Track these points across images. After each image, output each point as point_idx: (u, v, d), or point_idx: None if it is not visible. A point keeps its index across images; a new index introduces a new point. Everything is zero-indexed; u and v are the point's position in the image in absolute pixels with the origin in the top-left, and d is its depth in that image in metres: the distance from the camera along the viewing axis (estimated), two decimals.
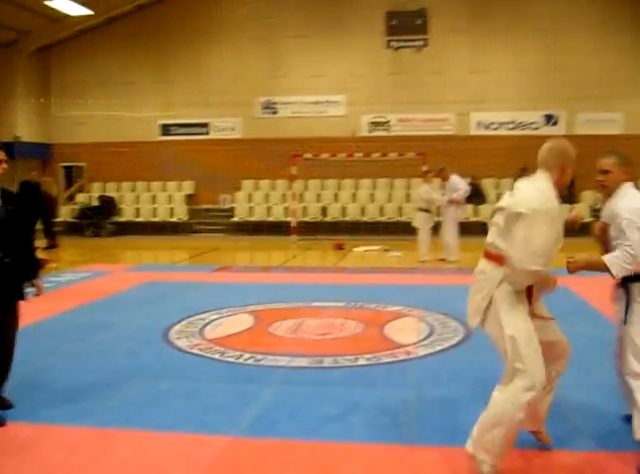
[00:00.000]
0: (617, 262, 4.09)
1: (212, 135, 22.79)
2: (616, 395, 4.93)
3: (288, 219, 19.86)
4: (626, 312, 4.27)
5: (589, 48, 21.43)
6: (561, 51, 21.56)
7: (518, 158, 21.26)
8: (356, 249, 16.63)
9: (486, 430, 3.90)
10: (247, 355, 6.64)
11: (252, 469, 4.21)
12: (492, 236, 4.09)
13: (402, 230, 18.69)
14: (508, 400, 3.85)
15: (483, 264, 4.21)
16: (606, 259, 4.15)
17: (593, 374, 5.92)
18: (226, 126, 22.79)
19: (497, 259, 4.02)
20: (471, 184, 20.16)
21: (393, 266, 13.72)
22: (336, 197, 21.86)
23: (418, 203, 14.40)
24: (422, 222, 14.13)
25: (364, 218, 21.03)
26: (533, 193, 3.94)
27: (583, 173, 20.19)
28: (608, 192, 4.49)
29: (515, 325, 3.88)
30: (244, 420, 4.93)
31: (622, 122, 21.56)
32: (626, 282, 4.28)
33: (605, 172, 4.49)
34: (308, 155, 19.83)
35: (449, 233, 13.98)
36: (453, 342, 7.19)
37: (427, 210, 14.17)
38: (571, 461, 4.25)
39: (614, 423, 4.79)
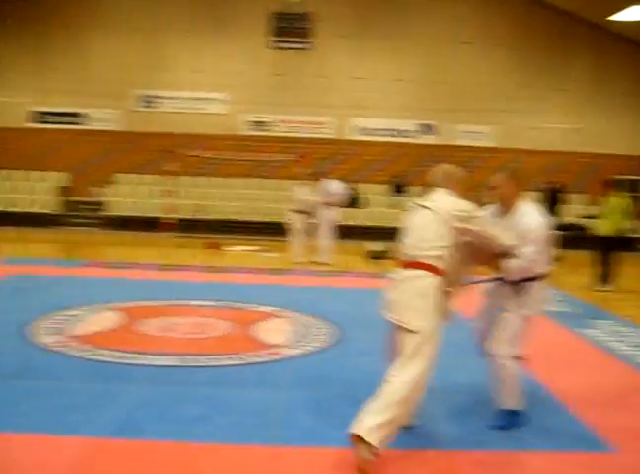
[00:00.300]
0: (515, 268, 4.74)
1: (88, 126, 22.05)
2: (475, 395, 5.14)
3: (163, 216, 19.52)
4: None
5: (466, 62, 22.26)
6: (439, 64, 22.29)
7: (394, 165, 21.91)
8: (230, 248, 16.55)
9: (383, 416, 4.16)
10: (112, 354, 6.47)
11: (112, 471, 4.09)
12: (428, 248, 4.43)
13: (278, 231, 18.76)
14: (403, 384, 4.27)
15: (413, 271, 4.48)
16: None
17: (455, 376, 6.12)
18: (103, 118, 22.11)
19: (431, 268, 4.40)
20: (348, 188, 20.52)
21: (267, 266, 13.73)
22: (213, 196, 21.66)
23: (294, 205, 14.52)
24: (297, 224, 14.27)
25: (241, 218, 20.95)
26: (465, 203, 4.50)
27: None
28: (503, 207, 4.99)
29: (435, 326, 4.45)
30: (106, 420, 4.80)
31: (494, 136, 22.51)
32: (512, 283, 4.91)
33: (492, 187, 4.95)
34: (186, 151, 19.56)
35: (324, 235, 14.15)
36: (323, 343, 7.26)
37: (302, 212, 14.31)
38: (434, 460, 4.37)
39: (474, 425, 4.98)
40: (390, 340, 4.71)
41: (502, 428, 4.86)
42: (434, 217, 4.47)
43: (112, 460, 4.22)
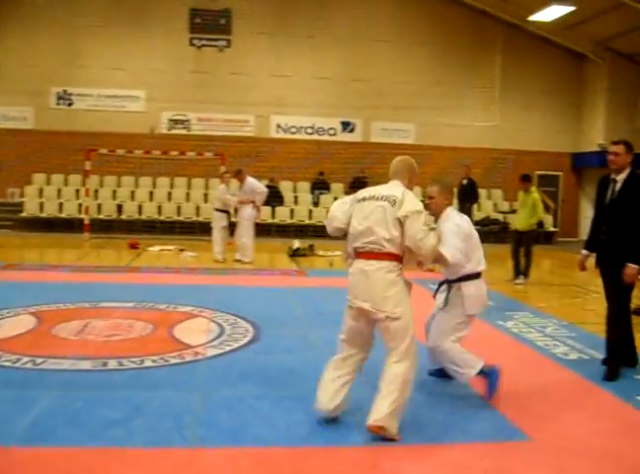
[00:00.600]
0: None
1: (1, 125, 21.34)
2: None
3: (82, 216, 19.09)
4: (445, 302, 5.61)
5: (386, 61, 22.50)
6: (360, 62, 22.47)
7: (315, 162, 21.97)
8: (150, 248, 16.31)
9: (397, 401, 4.54)
10: (25, 359, 6.27)
11: None
12: (385, 237, 4.64)
13: (199, 230, 18.62)
14: (410, 370, 4.65)
15: (374, 263, 4.67)
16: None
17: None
18: (17, 116, 21.45)
19: (396, 258, 4.69)
20: (269, 186, 20.52)
21: (187, 266, 13.58)
22: (132, 195, 21.32)
23: (213, 204, 14.43)
24: (217, 222, 14.19)
25: (161, 217, 20.70)
26: (411, 196, 4.76)
27: (376, 179, 21.26)
28: (435, 214, 5.59)
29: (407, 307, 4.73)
30: (18, 428, 4.64)
31: (413, 133, 22.83)
32: (449, 281, 5.63)
33: (431, 198, 5.49)
34: (104, 150, 19.17)
35: (245, 234, 14.09)
36: (242, 342, 7.22)
37: (223, 211, 14.24)
38: (350, 455, 4.39)
39: None
40: (352, 326, 4.89)
41: (492, 392, 5.45)
42: (388, 210, 4.68)
43: (23, 469, 4.08)
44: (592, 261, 6.74)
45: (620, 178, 6.34)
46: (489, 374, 5.47)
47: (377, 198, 4.79)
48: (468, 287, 5.57)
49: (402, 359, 4.66)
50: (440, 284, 5.82)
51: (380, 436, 4.54)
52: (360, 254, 4.78)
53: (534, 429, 4.91)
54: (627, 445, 4.71)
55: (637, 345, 6.76)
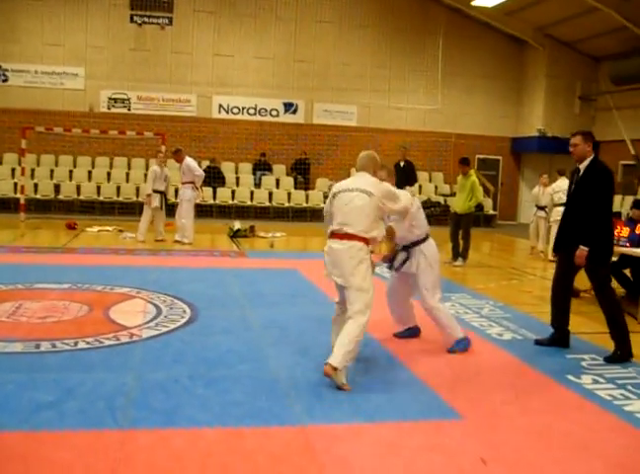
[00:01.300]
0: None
1: None
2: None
3: (18, 196, 18.63)
4: (402, 264, 6.63)
5: (329, 42, 22.48)
6: (303, 43, 22.40)
7: (257, 143, 21.89)
8: (89, 229, 16.04)
9: (347, 348, 5.31)
10: None
11: None
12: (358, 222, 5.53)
13: (139, 211, 18.35)
14: (359, 327, 5.39)
15: (345, 242, 5.51)
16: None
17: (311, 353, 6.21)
18: None
19: (363, 240, 5.50)
20: (211, 167, 20.38)
21: (126, 247, 13.41)
22: (70, 175, 20.91)
23: (152, 184, 14.31)
24: (153, 202, 14.14)
25: (100, 197, 20.35)
26: (376, 182, 5.76)
27: (318, 161, 21.08)
28: None
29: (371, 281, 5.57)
30: None
31: (356, 115, 22.87)
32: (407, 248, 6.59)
33: (382, 180, 6.05)
34: (41, 128, 18.72)
35: (185, 215, 14.02)
36: (179, 323, 7.17)
37: (159, 191, 14.20)
38: (283, 435, 4.41)
39: (328, 398, 5.06)
40: (340, 293, 5.74)
41: (464, 350, 6.52)
42: (363, 198, 5.54)
43: None
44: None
45: (582, 166, 6.60)
46: (465, 339, 6.60)
47: (352, 190, 5.62)
48: (427, 247, 6.62)
49: (356, 317, 5.43)
50: (392, 258, 6.71)
51: (333, 381, 5.24)
52: (334, 235, 5.58)
53: (467, 407, 5.00)
54: (555, 421, 4.83)
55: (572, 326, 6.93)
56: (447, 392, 5.32)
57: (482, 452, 4.24)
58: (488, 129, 23.78)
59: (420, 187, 22.89)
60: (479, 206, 13.60)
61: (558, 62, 23.08)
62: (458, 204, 12.93)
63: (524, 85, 24.17)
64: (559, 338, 6.88)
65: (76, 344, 6.24)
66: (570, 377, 5.84)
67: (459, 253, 12.78)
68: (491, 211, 22.72)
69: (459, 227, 12.81)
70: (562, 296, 6.86)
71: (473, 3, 21.36)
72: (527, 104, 24.03)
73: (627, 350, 6.46)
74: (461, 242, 12.81)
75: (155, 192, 14.20)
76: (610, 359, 6.41)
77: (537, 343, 6.96)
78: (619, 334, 6.49)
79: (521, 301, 9.44)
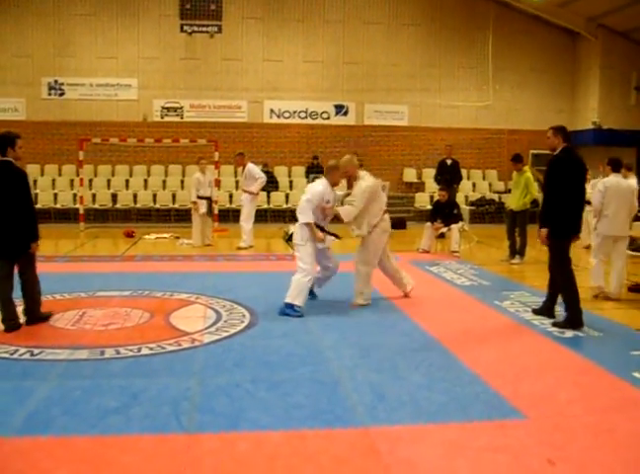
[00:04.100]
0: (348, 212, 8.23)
1: None
2: (393, 372, 5.24)
3: (77, 206, 19.04)
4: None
5: (377, 43, 22.40)
6: (351, 44, 22.37)
7: (309, 146, 21.91)
8: (146, 236, 16.30)
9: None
10: (23, 350, 6.29)
11: (22, 470, 3.96)
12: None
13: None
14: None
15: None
16: (340, 210, 8.27)
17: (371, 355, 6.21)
18: (8, 107, 21.31)
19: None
20: (264, 172, 20.49)
21: (183, 253, 13.59)
22: (127, 184, 21.25)
23: (198, 191, 14.53)
24: (201, 209, 14.36)
25: (156, 205, 20.65)
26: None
27: (370, 162, 21.06)
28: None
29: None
30: (16, 419, 4.66)
31: (406, 115, 22.76)
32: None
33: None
34: (97, 139, 19.10)
35: (244, 218, 14.22)
36: (239, 328, 7.25)
37: (206, 197, 14.41)
38: (346, 437, 4.41)
39: (390, 399, 5.05)
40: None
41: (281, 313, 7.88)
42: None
43: (23, 458, 4.10)
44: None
45: (552, 157, 7.59)
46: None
47: None
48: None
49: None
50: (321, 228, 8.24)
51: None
52: None
53: (530, 407, 4.94)
54: (622, 420, 4.74)
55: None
56: (510, 391, 5.26)
57: (548, 453, 4.19)
58: (541, 124, 23.28)
59: (473, 184, 22.69)
60: (534, 203, 13.37)
61: (612, 53, 22.58)
62: (513, 201, 12.79)
63: (578, 77, 23.72)
64: (547, 306, 7.85)
65: (139, 350, 6.36)
66: (636, 374, 5.72)
67: (516, 250, 12.63)
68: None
69: (515, 224, 12.66)
70: (559, 272, 7.59)
71: None
72: (581, 96, 23.58)
73: (578, 317, 7.34)
74: (518, 239, 12.65)
75: (201, 198, 14.38)
76: (558, 324, 7.37)
77: (533, 311, 8.03)
78: (571, 301, 7.38)
79: (580, 297, 9.26)
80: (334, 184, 8.23)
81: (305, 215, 8.02)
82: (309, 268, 7.94)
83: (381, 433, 4.47)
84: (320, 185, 8.18)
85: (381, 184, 8.76)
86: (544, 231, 7.40)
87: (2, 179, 6.98)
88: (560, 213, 7.34)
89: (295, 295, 7.83)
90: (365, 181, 8.31)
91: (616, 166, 9.48)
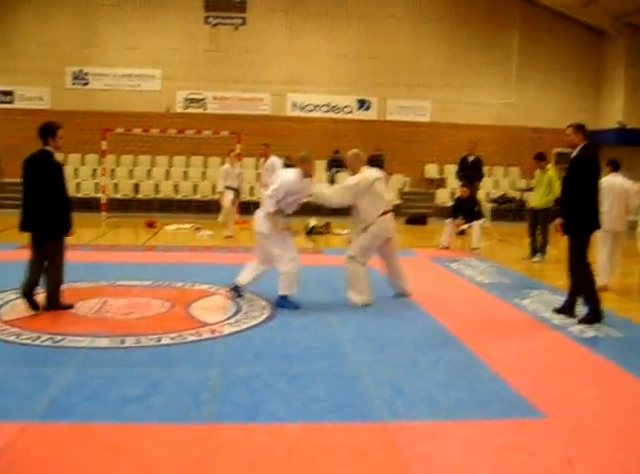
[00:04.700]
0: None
1: (18, 105, 21.41)
2: (412, 368, 5.26)
3: (99, 195, 19.18)
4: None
5: (401, 37, 22.35)
6: (374, 39, 22.32)
7: (332, 140, 21.90)
8: (167, 227, 16.39)
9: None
10: (45, 337, 6.35)
11: (44, 455, 4.01)
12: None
13: (215, 209, 18.62)
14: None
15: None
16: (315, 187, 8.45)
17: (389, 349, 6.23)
18: (33, 96, 21.52)
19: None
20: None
21: (204, 244, 13.65)
22: (149, 174, 21.38)
23: (225, 181, 14.58)
24: (227, 199, 14.40)
25: (178, 196, 20.75)
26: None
27: (392, 157, 20.88)
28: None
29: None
30: (39, 404, 4.72)
31: (429, 110, 22.69)
32: None
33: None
34: (120, 130, 19.21)
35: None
36: (259, 320, 7.28)
37: (232, 188, 14.46)
38: (364, 431, 4.43)
39: (409, 394, 5.07)
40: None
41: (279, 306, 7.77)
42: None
43: (45, 444, 4.15)
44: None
45: (573, 155, 7.66)
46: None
47: None
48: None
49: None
50: None
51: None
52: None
53: (550, 406, 4.93)
54: None
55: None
56: (529, 390, 5.25)
57: (568, 452, 4.18)
58: (565, 123, 22.78)
59: (495, 181, 22.58)
60: (557, 201, 13.30)
61: (638, 51, 22.36)
62: (536, 199, 12.73)
63: (603, 76, 23.51)
64: (569, 304, 7.80)
65: (159, 339, 6.41)
66: None
67: (537, 249, 12.57)
68: None
69: (537, 223, 12.60)
70: (578, 271, 7.63)
71: None
72: (606, 95, 23.37)
73: (598, 312, 7.48)
74: (539, 238, 12.59)
75: (228, 188, 14.45)
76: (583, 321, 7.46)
77: (554, 310, 7.95)
78: (591, 296, 7.53)
79: (603, 297, 9.21)
80: (307, 175, 7.95)
81: (270, 204, 7.70)
82: (290, 254, 7.79)
83: (399, 427, 4.48)
84: (292, 173, 7.90)
85: (379, 177, 8.38)
86: (559, 220, 7.61)
87: (40, 168, 7.16)
88: (579, 210, 7.46)
89: (287, 286, 7.79)
90: (362, 173, 8.21)
91: (615, 166, 10.24)
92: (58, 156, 7.59)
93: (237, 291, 8.11)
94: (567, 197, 7.61)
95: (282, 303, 7.81)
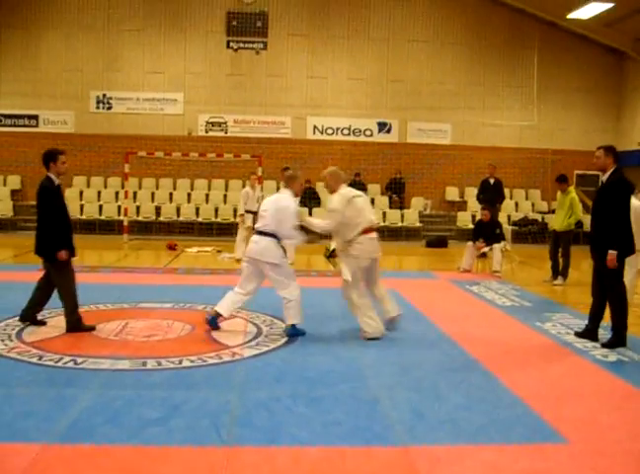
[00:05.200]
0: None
1: (42, 128, 21.72)
2: (432, 391, 5.22)
3: (121, 218, 19.36)
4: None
5: (422, 61, 22.46)
6: (395, 62, 22.44)
7: (352, 163, 21.98)
8: (188, 249, 16.47)
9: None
10: (67, 359, 6.39)
11: None
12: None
13: (236, 231, 18.70)
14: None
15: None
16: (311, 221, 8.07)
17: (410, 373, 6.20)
18: (58, 120, 21.84)
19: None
20: (306, 188, 20.57)
21: (225, 267, 13.69)
22: (170, 197, 21.55)
23: (245, 205, 14.65)
24: (246, 223, 14.41)
25: (199, 219, 20.86)
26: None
27: (412, 180, 20.87)
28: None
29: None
30: (59, 426, 4.74)
31: (450, 133, 22.70)
32: None
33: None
34: (143, 153, 19.42)
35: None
36: (279, 343, 7.29)
37: (252, 212, 14.48)
38: (385, 456, 4.40)
39: (429, 418, 5.03)
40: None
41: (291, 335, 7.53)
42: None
43: (65, 466, 4.17)
44: None
45: (604, 178, 7.45)
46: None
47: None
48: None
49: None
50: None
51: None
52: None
53: (572, 431, 4.88)
54: None
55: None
56: (551, 414, 5.20)
57: None
58: (586, 144, 23.05)
59: (516, 204, 22.51)
60: (579, 224, 13.24)
61: None
62: (557, 222, 12.66)
63: (625, 98, 23.44)
64: (591, 329, 7.74)
65: (180, 362, 6.43)
66: None
67: (559, 271, 12.49)
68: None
69: (558, 245, 12.52)
70: (597, 293, 7.67)
71: (569, 16, 20.91)
72: (628, 117, 23.28)
73: (624, 336, 7.40)
74: (561, 260, 12.51)
75: (248, 212, 14.50)
76: (607, 345, 7.38)
77: (576, 334, 7.91)
78: (622, 320, 7.38)
79: None
80: (296, 194, 7.90)
81: (296, 235, 7.71)
82: (295, 283, 7.71)
83: (420, 452, 4.45)
84: (289, 200, 7.73)
85: (359, 194, 7.95)
86: (614, 254, 7.24)
87: (39, 193, 7.53)
88: (620, 234, 7.34)
89: (296, 314, 7.60)
90: (338, 193, 7.80)
91: (633, 189, 9.98)
92: (62, 180, 7.82)
93: (215, 322, 7.74)
94: (606, 221, 7.36)
95: (294, 332, 7.58)
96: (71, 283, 7.57)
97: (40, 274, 7.85)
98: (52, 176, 7.44)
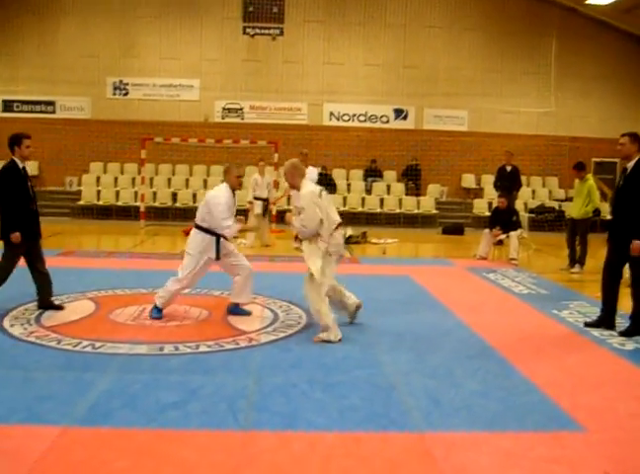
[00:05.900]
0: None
1: (59, 114, 21.78)
2: (448, 378, 5.23)
3: (138, 204, 19.43)
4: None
5: (438, 47, 22.30)
6: (412, 48, 22.31)
7: (368, 150, 21.93)
8: None
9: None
10: (85, 343, 6.45)
11: (83, 460, 4.08)
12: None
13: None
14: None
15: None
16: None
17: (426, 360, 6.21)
18: (74, 106, 21.88)
19: None
20: (322, 174, 20.55)
21: (241, 253, 13.68)
22: (187, 183, 21.58)
23: (255, 191, 14.70)
24: (256, 210, 14.64)
25: None
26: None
27: (429, 167, 20.77)
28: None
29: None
30: (78, 409, 4.80)
31: (466, 119, 22.58)
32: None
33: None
34: (159, 139, 19.46)
35: None
36: (296, 329, 7.31)
37: (261, 199, 14.52)
38: (401, 442, 4.42)
39: (445, 405, 5.05)
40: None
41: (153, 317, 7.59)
42: None
43: (84, 448, 4.22)
44: None
45: (629, 165, 7.29)
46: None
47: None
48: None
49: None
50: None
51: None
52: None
53: (589, 419, 4.87)
54: None
55: None
56: (568, 402, 5.20)
57: (606, 466, 4.13)
58: (604, 132, 22.91)
59: (533, 191, 22.38)
60: (596, 211, 13.17)
61: None
62: (575, 210, 12.60)
63: None
64: (605, 318, 7.64)
65: (197, 347, 6.47)
66: None
67: (576, 259, 12.44)
68: (608, 216, 21.91)
69: (576, 233, 12.46)
70: (611, 281, 7.57)
71: (588, 1, 20.70)
72: None
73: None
74: (578, 248, 12.46)
75: (257, 199, 14.50)
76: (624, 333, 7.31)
77: (586, 325, 7.74)
78: None
79: None
80: (232, 187, 7.74)
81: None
82: (181, 276, 7.72)
83: (436, 438, 4.47)
84: (220, 192, 7.71)
85: (323, 189, 7.30)
86: (639, 242, 7.06)
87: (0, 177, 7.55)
88: None
89: (159, 298, 7.62)
90: (305, 189, 7.09)
91: None
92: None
93: (240, 308, 7.90)
94: (631, 209, 7.17)
95: (157, 314, 7.66)
96: (9, 269, 7.65)
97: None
98: (17, 159, 7.53)
